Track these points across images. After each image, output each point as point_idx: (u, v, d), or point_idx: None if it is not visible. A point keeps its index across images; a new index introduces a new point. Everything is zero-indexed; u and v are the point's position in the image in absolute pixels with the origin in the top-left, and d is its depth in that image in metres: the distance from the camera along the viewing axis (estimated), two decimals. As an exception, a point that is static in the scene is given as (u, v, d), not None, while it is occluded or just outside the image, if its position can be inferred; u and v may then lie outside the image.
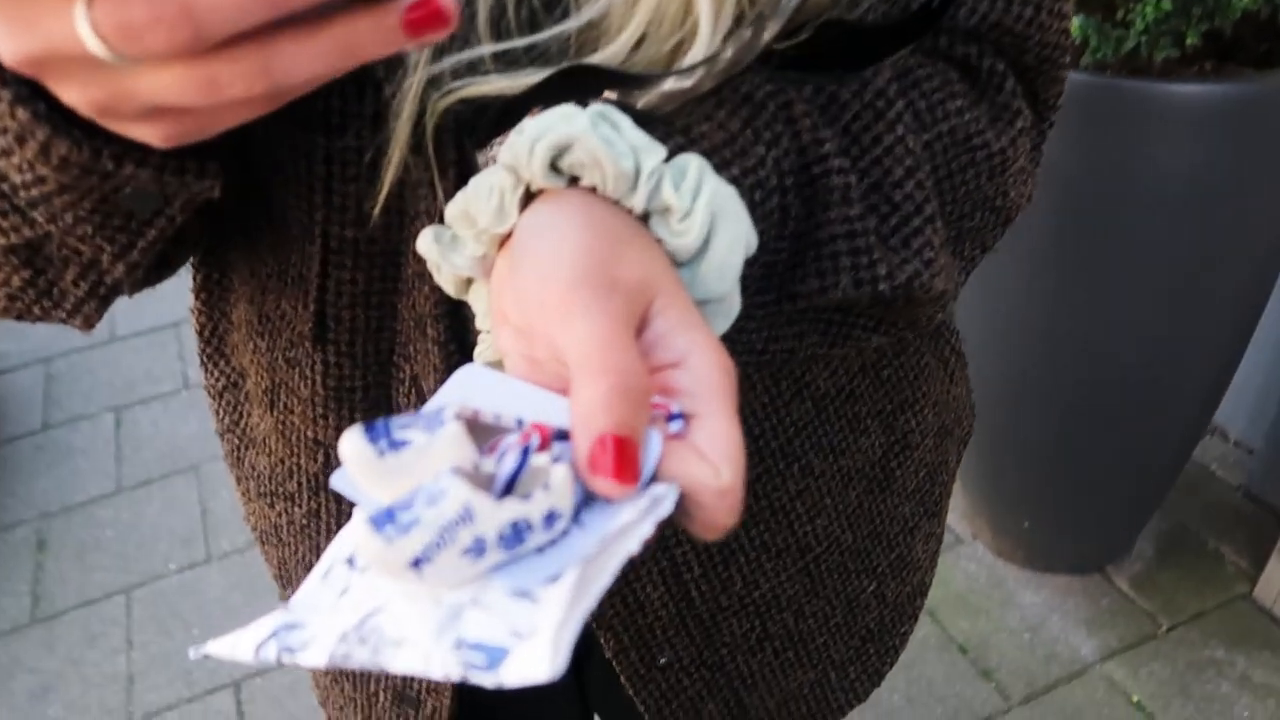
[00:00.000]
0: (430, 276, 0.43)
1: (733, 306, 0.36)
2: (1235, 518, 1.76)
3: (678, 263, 0.34)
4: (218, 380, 0.59)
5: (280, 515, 0.59)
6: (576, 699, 0.78)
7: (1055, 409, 1.47)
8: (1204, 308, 1.34)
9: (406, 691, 0.62)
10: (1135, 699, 1.51)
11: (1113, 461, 1.52)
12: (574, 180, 0.34)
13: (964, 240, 0.47)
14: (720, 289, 0.35)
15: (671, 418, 0.30)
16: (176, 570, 1.84)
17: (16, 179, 0.36)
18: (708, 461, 0.29)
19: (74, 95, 0.28)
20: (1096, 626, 1.61)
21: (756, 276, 0.41)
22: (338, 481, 0.32)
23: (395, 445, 0.28)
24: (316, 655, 0.27)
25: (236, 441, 0.61)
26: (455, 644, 0.26)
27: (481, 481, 0.28)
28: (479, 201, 0.34)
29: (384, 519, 0.26)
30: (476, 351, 0.39)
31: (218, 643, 0.30)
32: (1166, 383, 1.42)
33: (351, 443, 0.28)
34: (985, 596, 1.66)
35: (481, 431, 0.30)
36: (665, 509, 0.28)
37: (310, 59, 0.26)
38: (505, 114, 0.37)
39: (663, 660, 0.57)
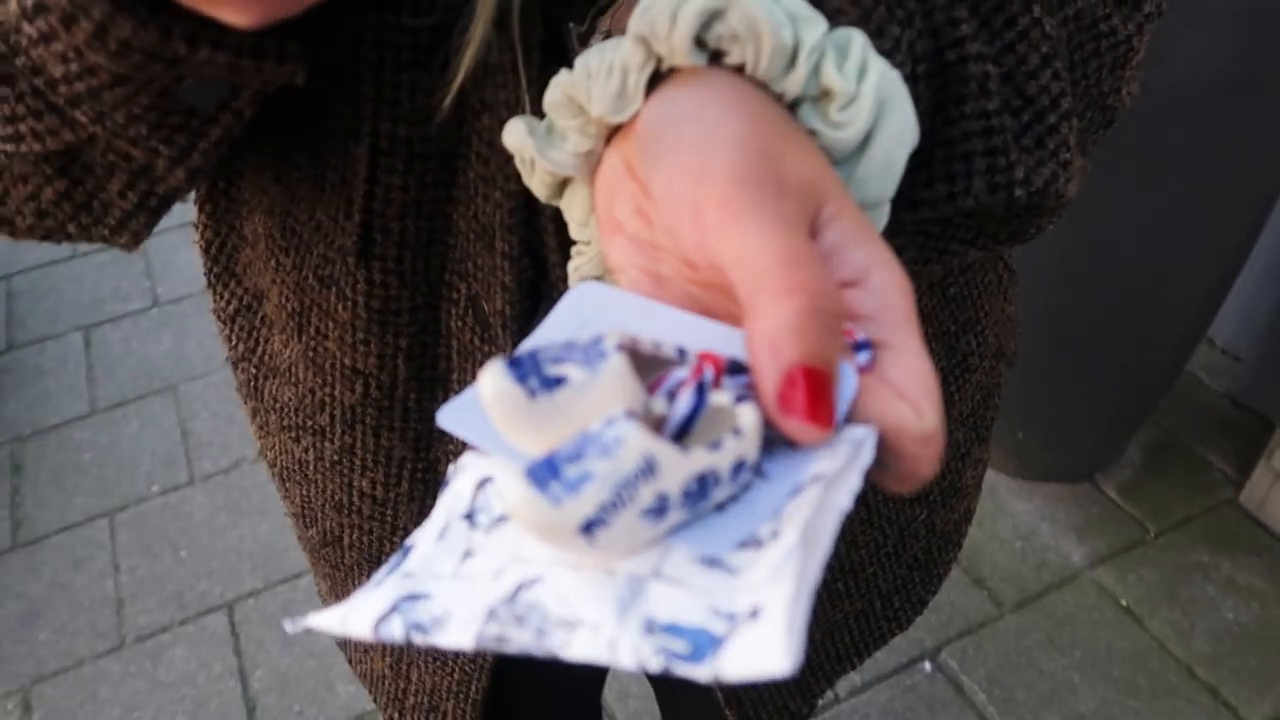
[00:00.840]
0: (498, 179, 0.37)
1: (883, 216, 0.31)
2: (1222, 425, 1.76)
3: (832, 160, 0.29)
4: (228, 303, 0.53)
5: (307, 450, 0.54)
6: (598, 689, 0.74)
7: (1052, 317, 1.45)
8: (1207, 215, 1.31)
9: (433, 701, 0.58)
10: (1124, 603, 1.52)
11: (1107, 370, 1.51)
12: (714, 55, 0.28)
13: None
14: (880, 192, 0.29)
15: (859, 347, 0.25)
16: (160, 492, 1.78)
17: (57, 71, 0.29)
18: (908, 401, 0.24)
19: None
20: (1086, 534, 1.62)
21: None
22: (448, 419, 0.26)
23: (548, 383, 0.22)
24: (458, 635, 0.22)
25: (254, 371, 0.55)
26: (645, 626, 0.20)
27: (653, 425, 0.23)
28: (593, 84, 0.28)
29: (546, 473, 0.20)
30: (572, 266, 0.33)
31: (324, 616, 0.25)
32: (1165, 290, 1.40)
33: (495, 381, 0.22)
34: (978, 506, 1.66)
35: (638, 363, 0.24)
36: (867, 456, 0.22)
37: None
38: None
39: None
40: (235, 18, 0.25)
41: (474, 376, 0.45)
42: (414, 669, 0.61)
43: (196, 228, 0.51)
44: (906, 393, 0.24)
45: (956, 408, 0.57)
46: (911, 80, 0.34)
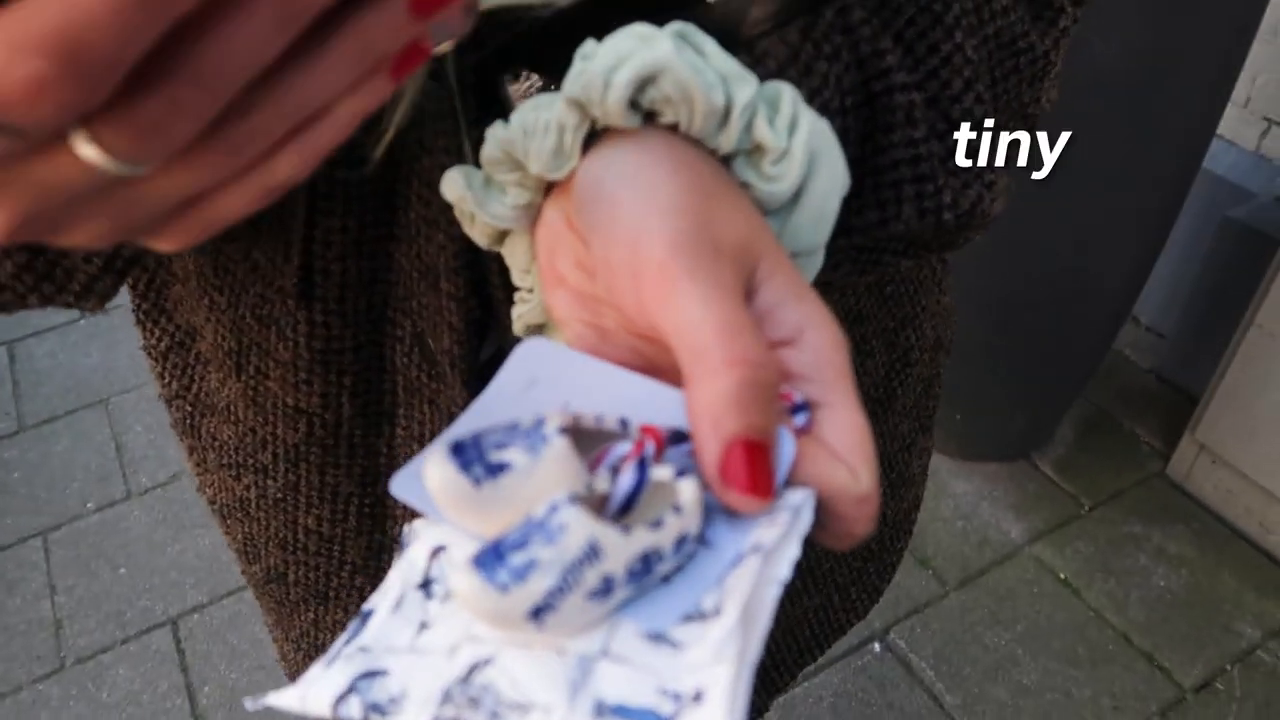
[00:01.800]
0: (441, 222, 0.37)
1: (818, 260, 0.32)
2: (1148, 400, 1.83)
3: (765, 212, 0.29)
4: (159, 340, 0.52)
5: (249, 488, 0.53)
6: None
7: (983, 303, 1.48)
8: (1128, 196, 1.35)
9: None
10: (1062, 576, 1.57)
11: (1038, 351, 1.55)
12: (648, 115, 0.28)
13: None
14: (814, 240, 0.30)
15: (796, 409, 0.25)
16: (95, 509, 1.74)
17: None
18: (843, 462, 0.24)
19: (80, 236, 0.21)
20: (1024, 511, 1.66)
21: None
22: (400, 488, 0.26)
23: (492, 470, 0.23)
24: (414, 716, 0.23)
25: (189, 409, 0.54)
26: (595, 709, 0.21)
27: (595, 504, 0.23)
28: (529, 141, 0.28)
29: (493, 561, 0.21)
30: (515, 314, 0.33)
31: (283, 695, 0.25)
32: (1090, 271, 1.44)
33: (440, 471, 0.22)
34: (918, 488, 1.70)
35: (580, 435, 0.25)
36: (806, 522, 0.23)
37: (324, 79, 0.20)
38: (545, 34, 0.31)
39: None
40: (166, 243, 0.25)
41: (421, 412, 0.45)
42: None
43: None
44: (842, 454, 0.24)
45: (900, 401, 0.59)
46: (841, 113, 0.35)
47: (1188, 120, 1.30)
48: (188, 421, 0.54)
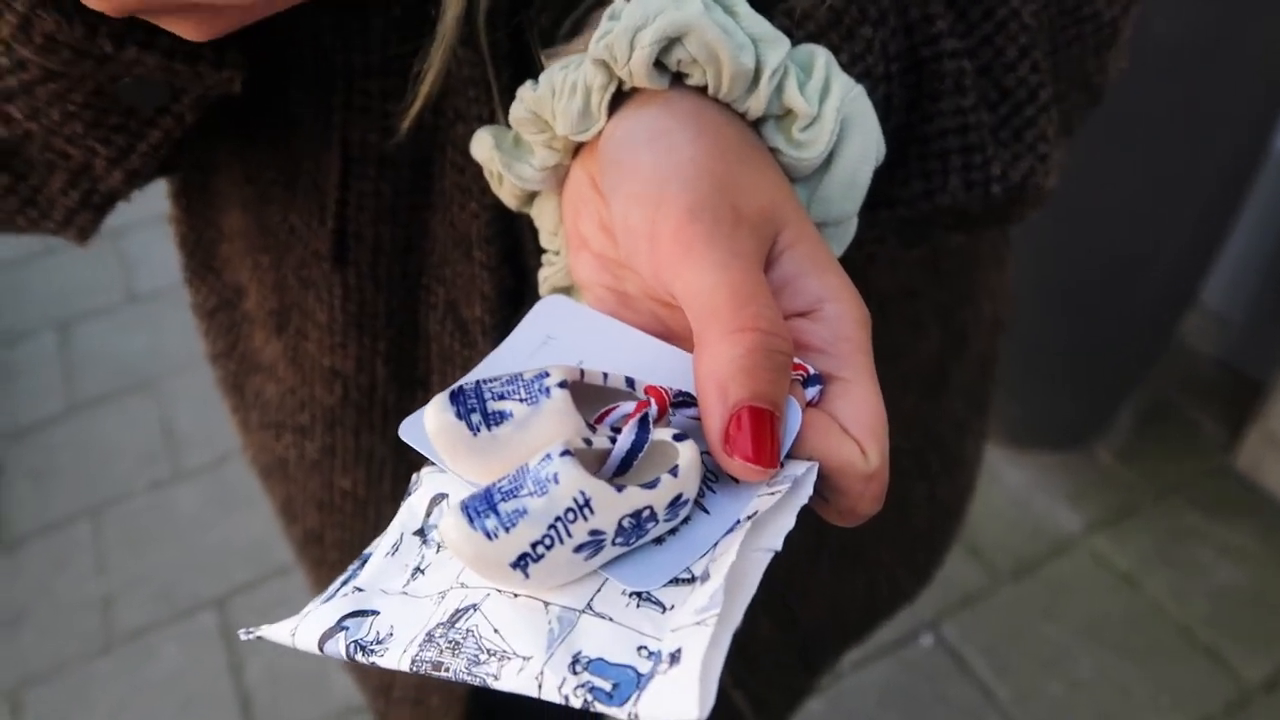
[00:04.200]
0: (474, 190, 0.38)
1: (850, 230, 0.32)
2: (1213, 388, 1.79)
3: (793, 179, 0.30)
4: (207, 299, 0.54)
5: (289, 449, 0.55)
6: None
7: (1043, 284, 1.46)
8: (1194, 176, 1.32)
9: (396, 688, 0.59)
10: (1121, 569, 1.55)
11: (1098, 335, 1.52)
12: (677, 76, 0.29)
13: None
14: (844, 209, 0.30)
15: (808, 381, 0.26)
16: (144, 489, 1.79)
17: None
18: (851, 438, 0.25)
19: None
20: (1080, 501, 1.64)
21: None
22: (407, 432, 0.27)
23: (490, 419, 0.24)
24: (398, 656, 0.24)
25: (234, 367, 0.56)
26: (572, 661, 0.22)
27: (593, 459, 0.24)
28: (556, 102, 0.29)
29: (482, 508, 0.22)
30: (541, 276, 0.35)
31: (275, 629, 0.26)
32: (1154, 253, 1.42)
33: (438, 416, 0.23)
34: (971, 477, 1.69)
35: (587, 393, 0.26)
36: (805, 494, 0.24)
37: None
38: None
39: None
40: (188, 33, 0.26)
41: (453, 379, 0.46)
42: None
43: (172, 221, 0.51)
44: (852, 430, 0.25)
45: (955, 380, 0.59)
46: (885, 79, 0.35)
47: (1253, 99, 1.27)
48: (232, 381, 0.56)
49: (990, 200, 0.37)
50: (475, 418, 0.23)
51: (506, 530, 0.22)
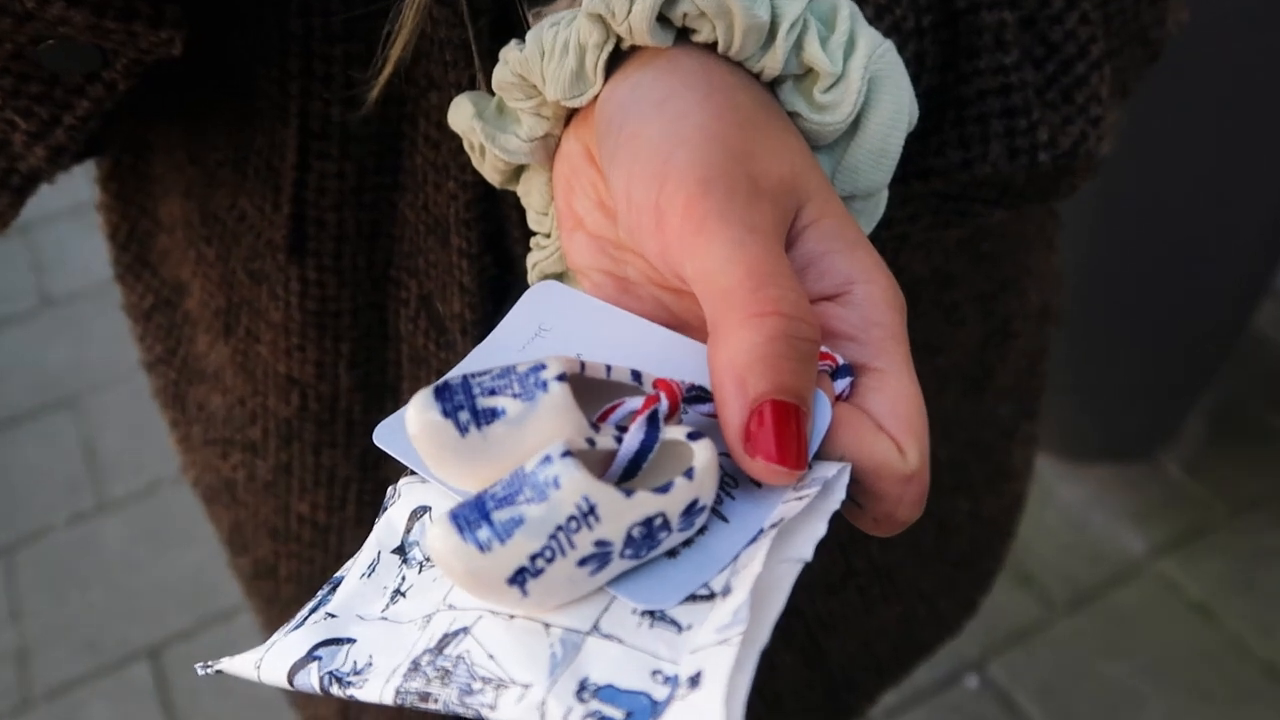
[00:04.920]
0: (451, 168, 0.39)
1: (880, 204, 0.33)
2: (1296, 387, 1.80)
3: (816, 146, 0.31)
4: (143, 298, 0.54)
5: (237, 469, 0.56)
6: None
7: (1094, 272, 1.47)
8: (1264, 151, 1.33)
9: None
10: (1194, 597, 1.56)
11: (1161, 331, 1.53)
12: (682, 33, 0.30)
13: None
14: (874, 181, 0.31)
15: (837, 372, 0.26)
16: (64, 523, 1.80)
17: None
18: (887, 435, 0.25)
19: None
20: (1146, 520, 1.65)
21: None
22: (383, 438, 0.28)
23: (481, 417, 0.24)
24: (379, 689, 0.24)
25: (174, 375, 0.56)
26: (579, 688, 0.22)
27: (597, 461, 0.24)
28: (546, 64, 0.30)
29: (473, 517, 0.22)
30: (530, 261, 0.35)
31: (237, 661, 0.27)
32: (1221, 236, 1.42)
33: (421, 415, 0.24)
34: (1019, 494, 1.70)
35: (588, 388, 0.26)
36: (838, 498, 0.24)
37: None
38: None
39: None
40: None
41: (428, 385, 0.46)
42: (366, 714, 0.63)
43: (101, 209, 0.52)
44: (888, 426, 0.25)
45: (999, 379, 0.59)
46: (916, 35, 0.35)
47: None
48: (172, 390, 0.56)
49: (1037, 170, 0.38)
50: (463, 416, 0.24)
51: (501, 542, 0.22)
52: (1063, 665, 1.50)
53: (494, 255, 0.41)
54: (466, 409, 0.24)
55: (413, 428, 0.24)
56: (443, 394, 0.24)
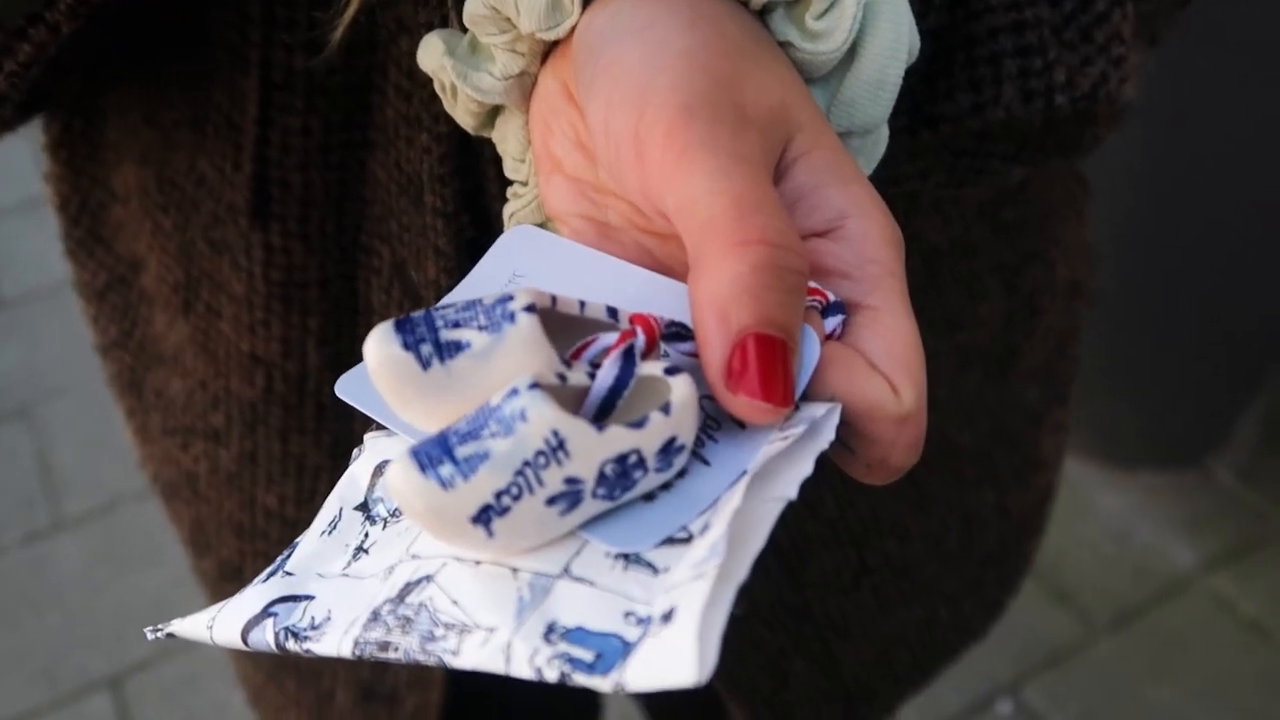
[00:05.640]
0: (424, 119, 0.40)
1: (879, 142, 0.33)
2: (1359, 386, 1.80)
3: (809, 79, 0.31)
4: (95, 275, 0.55)
5: (198, 460, 0.56)
6: None
7: (1137, 260, 1.48)
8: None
9: (377, 687, 0.60)
10: (1247, 615, 1.56)
11: (1211, 326, 1.54)
12: None
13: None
14: (871, 116, 0.32)
15: (827, 310, 0.27)
16: (17, 543, 1.80)
17: None
18: (880, 375, 0.26)
19: None
20: (1196, 531, 1.65)
21: None
22: (345, 389, 0.29)
23: (444, 350, 0.25)
24: (336, 642, 0.25)
25: (129, 360, 0.57)
26: (546, 631, 0.23)
27: (569, 399, 0.25)
28: None
29: (436, 453, 0.23)
30: (506, 212, 0.36)
31: (189, 621, 0.27)
32: (1275, 226, 1.43)
33: (380, 349, 0.24)
34: (1056, 502, 1.69)
35: (560, 325, 0.27)
36: (826, 438, 0.25)
37: None
38: None
39: (738, 610, 0.56)
40: None
41: None
42: None
43: (49, 180, 0.52)
44: (882, 365, 0.26)
45: (1024, 359, 0.60)
46: None
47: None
48: (128, 376, 0.57)
49: (1054, 115, 0.38)
50: (425, 349, 0.24)
51: (465, 478, 0.22)
52: (1104, 689, 1.50)
53: (471, 215, 0.41)
54: (429, 342, 0.24)
55: (372, 362, 0.24)
56: (404, 326, 0.24)
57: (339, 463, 0.53)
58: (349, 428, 0.52)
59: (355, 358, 0.49)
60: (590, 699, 0.82)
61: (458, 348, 0.24)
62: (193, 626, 0.27)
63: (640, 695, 0.84)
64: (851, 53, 0.31)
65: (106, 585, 1.74)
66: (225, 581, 0.61)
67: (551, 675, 0.22)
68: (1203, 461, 1.73)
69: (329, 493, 0.54)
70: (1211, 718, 1.47)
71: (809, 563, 0.57)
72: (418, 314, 0.25)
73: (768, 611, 0.58)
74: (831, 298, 0.27)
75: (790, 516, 0.58)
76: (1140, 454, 1.72)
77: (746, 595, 0.56)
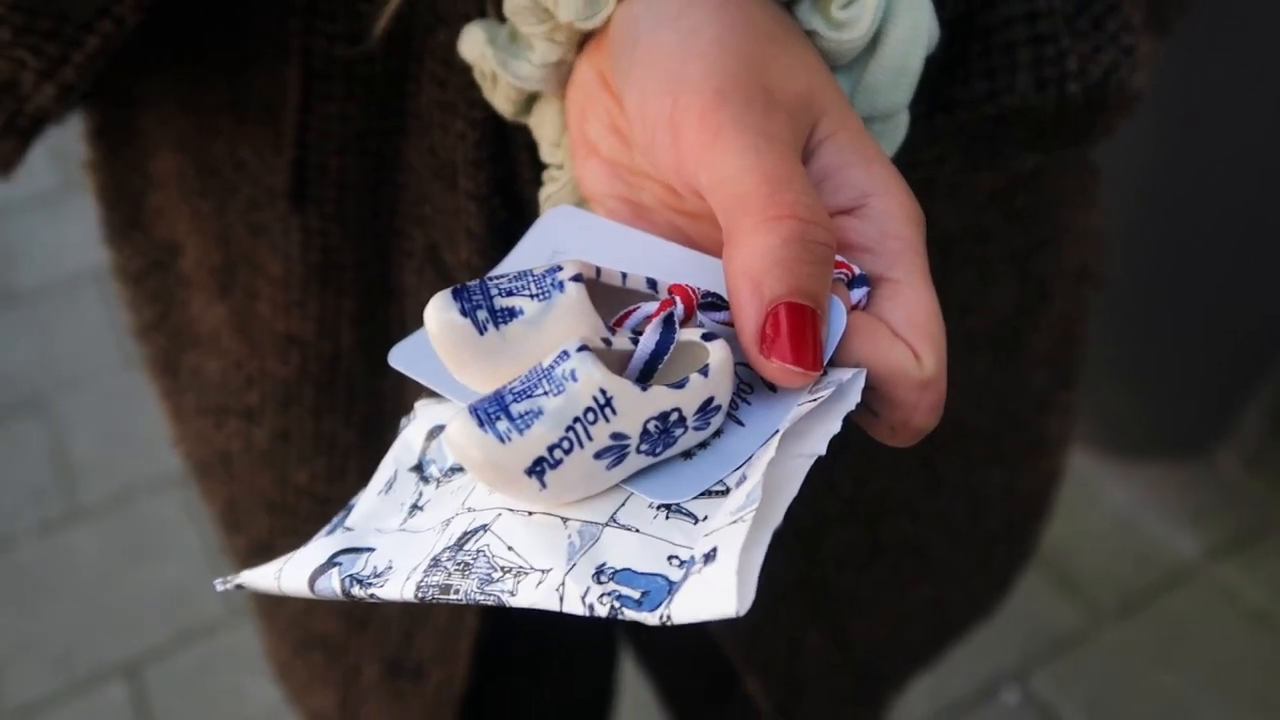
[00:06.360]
0: (460, 106, 0.41)
1: (900, 127, 0.35)
2: (1364, 376, 1.81)
3: (833, 66, 0.33)
4: (131, 260, 0.57)
5: (232, 439, 0.58)
6: (610, 649, 0.79)
7: (1143, 248, 1.48)
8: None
9: (404, 661, 0.62)
10: (1253, 604, 1.57)
11: (1218, 315, 1.54)
12: None
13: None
14: (893, 101, 0.33)
15: (853, 282, 0.29)
16: (32, 533, 1.82)
17: None
18: (902, 342, 0.28)
19: None
20: (1202, 521, 1.66)
21: None
22: (399, 359, 0.31)
23: (499, 316, 0.27)
24: (399, 586, 0.27)
25: (165, 342, 0.59)
26: (596, 572, 0.25)
27: (614, 362, 0.27)
28: None
29: (493, 410, 0.25)
30: (542, 195, 0.37)
31: (256, 572, 0.29)
32: (1282, 213, 1.44)
33: (440, 315, 0.26)
34: (1062, 493, 1.70)
35: (604, 295, 0.29)
36: (852, 399, 0.27)
37: None
38: None
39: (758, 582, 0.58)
40: None
41: None
42: (365, 706, 0.65)
43: (89, 168, 0.54)
44: (903, 332, 0.28)
45: (1033, 344, 0.61)
46: None
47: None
48: (164, 358, 0.58)
49: (1066, 102, 0.40)
50: (481, 315, 0.26)
51: (520, 433, 0.24)
52: (1111, 677, 1.51)
53: (503, 198, 0.43)
54: (484, 309, 0.26)
55: (432, 326, 0.26)
56: (461, 294, 0.26)
57: (368, 441, 0.55)
58: (379, 407, 0.53)
59: (388, 338, 0.51)
60: (607, 679, 0.84)
61: (511, 314, 0.27)
62: (262, 578, 0.29)
63: (655, 672, 0.86)
64: (874, 41, 0.33)
65: (121, 574, 1.75)
66: (256, 558, 0.62)
67: (602, 611, 0.24)
68: (1208, 452, 1.74)
69: (358, 470, 0.56)
70: (1216, 705, 1.48)
71: (825, 540, 0.58)
72: (473, 283, 0.27)
73: (785, 587, 0.59)
74: (857, 271, 0.28)
75: (808, 495, 0.60)
76: (1146, 444, 1.73)
77: (765, 570, 0.58)
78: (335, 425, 0.54)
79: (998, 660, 1.53)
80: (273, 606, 0.66)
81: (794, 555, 0.58)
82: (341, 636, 0.63)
